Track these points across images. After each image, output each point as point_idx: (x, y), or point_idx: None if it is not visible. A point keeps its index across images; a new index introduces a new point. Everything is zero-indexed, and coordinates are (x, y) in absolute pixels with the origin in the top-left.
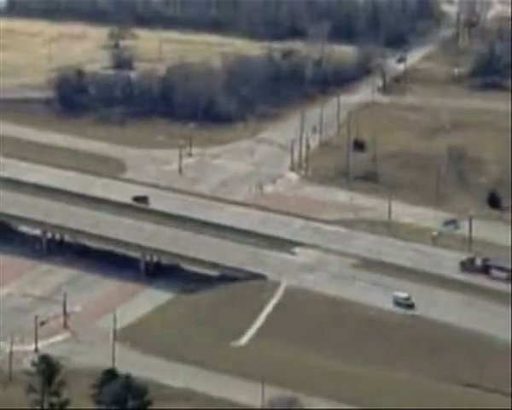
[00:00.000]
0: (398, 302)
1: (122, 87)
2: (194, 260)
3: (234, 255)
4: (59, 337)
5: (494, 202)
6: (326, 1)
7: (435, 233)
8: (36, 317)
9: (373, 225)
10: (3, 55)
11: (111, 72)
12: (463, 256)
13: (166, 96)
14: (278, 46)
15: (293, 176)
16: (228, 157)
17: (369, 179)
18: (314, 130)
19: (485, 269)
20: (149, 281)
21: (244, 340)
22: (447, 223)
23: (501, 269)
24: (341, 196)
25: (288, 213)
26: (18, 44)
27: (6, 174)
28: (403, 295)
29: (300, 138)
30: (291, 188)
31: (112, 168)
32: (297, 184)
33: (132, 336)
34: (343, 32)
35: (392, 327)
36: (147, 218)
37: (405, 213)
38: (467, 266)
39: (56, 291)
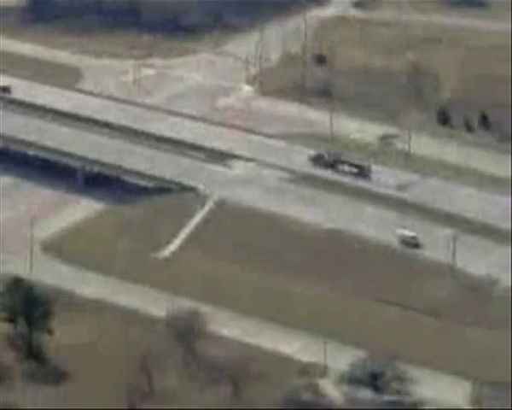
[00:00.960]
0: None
1: None
2: (130, 172)
3: (170, 168)
4: None
5: (444, 119)
6: None
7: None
8: None
9: (313, 139)
10: None
11: None
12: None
13: (135, 7)
14: None
15: (248, 89)
16: (188, 69)
17: (324, 94)
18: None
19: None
20: (87, 192)
21: (167, 252)
22: (384, 137)
23: (349, 164)
24: (293, 109)
25: (231, 126)
26: None
27: None
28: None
29: (260, 51)
30: (243, 101)
31: (68, 78)
32: (251, 96)
33: (58, 245)
34: None
35: (315, 241)
36: (90, 128)
37: (352, 128)
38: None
39: None
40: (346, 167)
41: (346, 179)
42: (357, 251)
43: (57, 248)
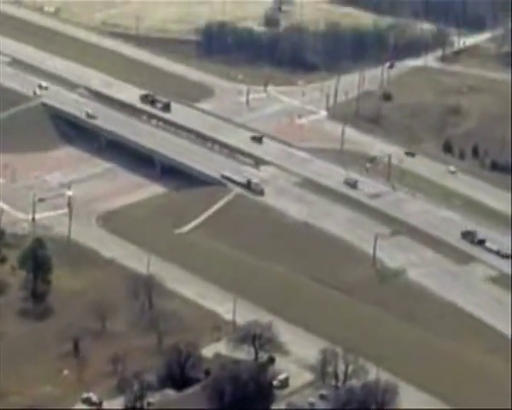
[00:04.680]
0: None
1: (249, 39)
2: (189, 167)
3: (216, 166)
4: (55, 212)
5: (448, 148)
6: None
7: (368, 165)
8: (34, 194)
9: (337, 154)
10: (199, 8)
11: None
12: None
13: (273, 46)
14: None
15: (323, 113)
16: (289, 95)
17: (376, 122)
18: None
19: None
20: (160, 179)
21: (185, 229)
22: (370, 160)
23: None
24: (345, 131)
25: (277, 140)
26: (213, 1)
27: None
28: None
29: (337, 87)
30: (314, 122)
31: (202, 94)
32: (322, 120)
33: (109, 216)
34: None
35: (292, 231)
36: (179, 133)
37: (376, 147)
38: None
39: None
40: (158, 104)
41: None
42: (316, 241)
43: (106, 218)
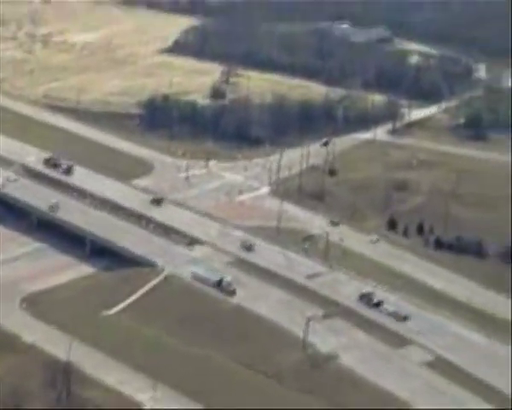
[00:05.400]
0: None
1: (192, 112)
2: (119, 247)
3: (146, 246)
4: None
5: (392, 225)
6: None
7: (306, 246)
8: None
9: (272, 232)
10: (144, 80)
11: (201, 100)
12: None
13: (217, 121)
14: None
15: (265, 190)
16: (232, 171)
17: (317, 197)
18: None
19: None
20: (89, 259)
21: (111, 312)
22: (306, 238)
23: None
24: (286, 208)
25: (214, 218)
26: (160, 73)
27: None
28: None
29: (280, 162)
30: (255, 199)
31: (142, 169)
32: (263, 196)
33: (34, 298)
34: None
35: (223, 315)
36: (112, 211)
37: (315, 224)
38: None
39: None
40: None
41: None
42: (247, 324)
43: (30, 300)
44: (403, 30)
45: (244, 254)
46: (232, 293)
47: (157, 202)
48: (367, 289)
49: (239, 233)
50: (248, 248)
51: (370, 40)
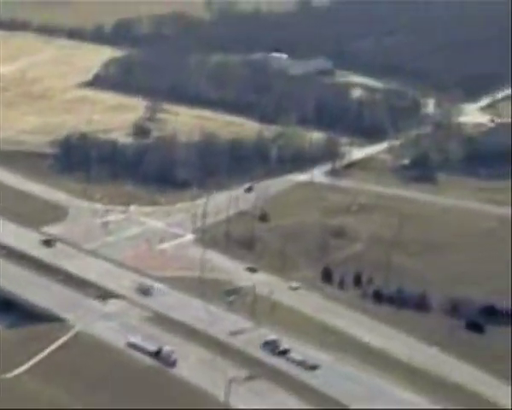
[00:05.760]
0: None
1: (112, 152)
2: (26, 301)
3: (55, 299)
4: None
5: (327, 276)
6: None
7: (231, 299)
8: None
9: (192, 282)
10: (62, 117)
11: (122, 139)
12: None
13: (139, 162)
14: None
15: (190, 237)
16: (153, 217)
17: (246, 245)
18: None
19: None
20: None
21: (14, 373)
22: (230, 291)
23: None
24: (210, 256)
25: (131, 268)
26: (79, 109)
27: None
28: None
29: (206, 207)
30: (177, 247)
31: (56, 215)
32: (186, 245)
33: None
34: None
35: (137, 376)
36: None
37: (244, 276)
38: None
39: None
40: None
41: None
42: (164, 386)
43: None
44: (345, 61)
45: (163, 309)
46: (172, 364)
47: (47, 243)
48: (271, 336)
49: (159, 285)
50: (145, 292)
51: (309, 72)
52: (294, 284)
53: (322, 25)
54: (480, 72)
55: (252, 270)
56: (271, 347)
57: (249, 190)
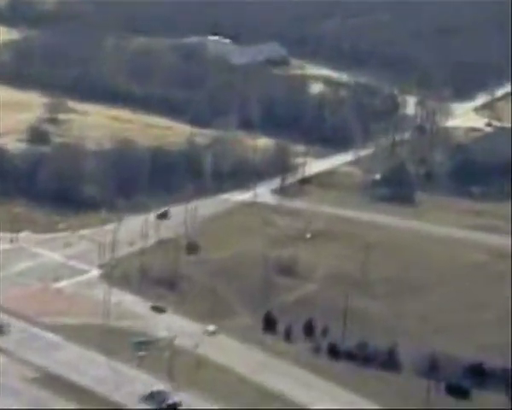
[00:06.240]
0: None
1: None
2: None
3: None
4: None
5: (270, 324)
6: None
7: (142, 353)
8: None
9: (97, 334)
10: None
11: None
12: None
13: (33, 176)
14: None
15: (95, 273)
16: (51, 246)
17: (168, 284)
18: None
19: None
20: None
21: None
22: (142, 343)
23: None
24: (124, 298)
25: (16, 314)
26: None
27: None
28: None
29: (115, 237)
30: (81, 286)
31: None
32: (92, 281)
33: None
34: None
35: None
36: None
37: (164, 325)
38: None
39: None
40: None
41: None
42: None
43: None
44: (302, 47)
45: (54, 367)
46: None
47: None
48: (157, 387)
49: (52, 336)
50: None
51: (256, 61)
52: (211, 328)
53: (274, 2)
54: (474, 62)
55: (158, 309)
56: (156, 400)
57: (163, 216)
